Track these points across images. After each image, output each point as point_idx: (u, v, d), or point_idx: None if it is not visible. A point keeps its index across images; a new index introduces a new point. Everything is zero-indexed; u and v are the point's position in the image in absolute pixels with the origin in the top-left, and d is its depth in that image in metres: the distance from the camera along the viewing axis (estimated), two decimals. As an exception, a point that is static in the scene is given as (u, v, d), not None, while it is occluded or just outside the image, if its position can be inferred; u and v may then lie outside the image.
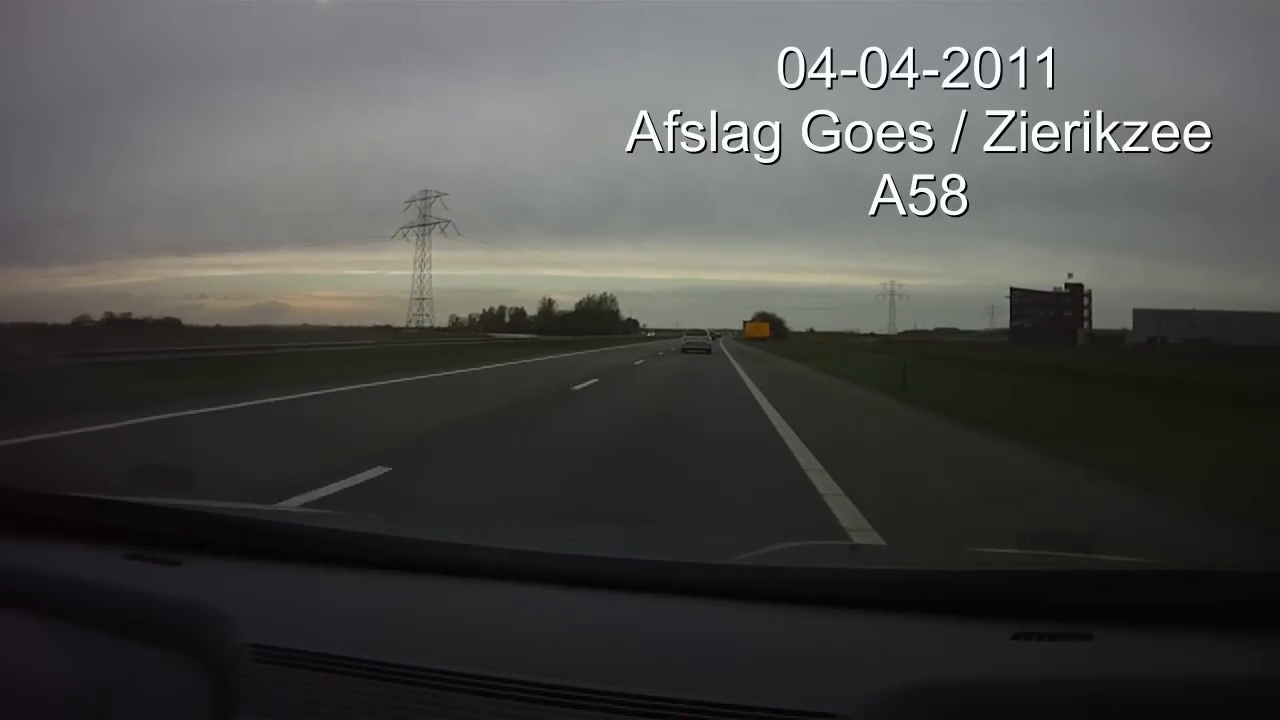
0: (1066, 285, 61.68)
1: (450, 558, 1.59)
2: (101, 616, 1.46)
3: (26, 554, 1.64)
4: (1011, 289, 62.19)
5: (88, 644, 1.41)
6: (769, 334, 69.47)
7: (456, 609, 1.46)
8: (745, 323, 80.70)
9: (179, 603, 1.44)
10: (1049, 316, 59.23)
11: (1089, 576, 1.48)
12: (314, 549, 1.64)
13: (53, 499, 1.82)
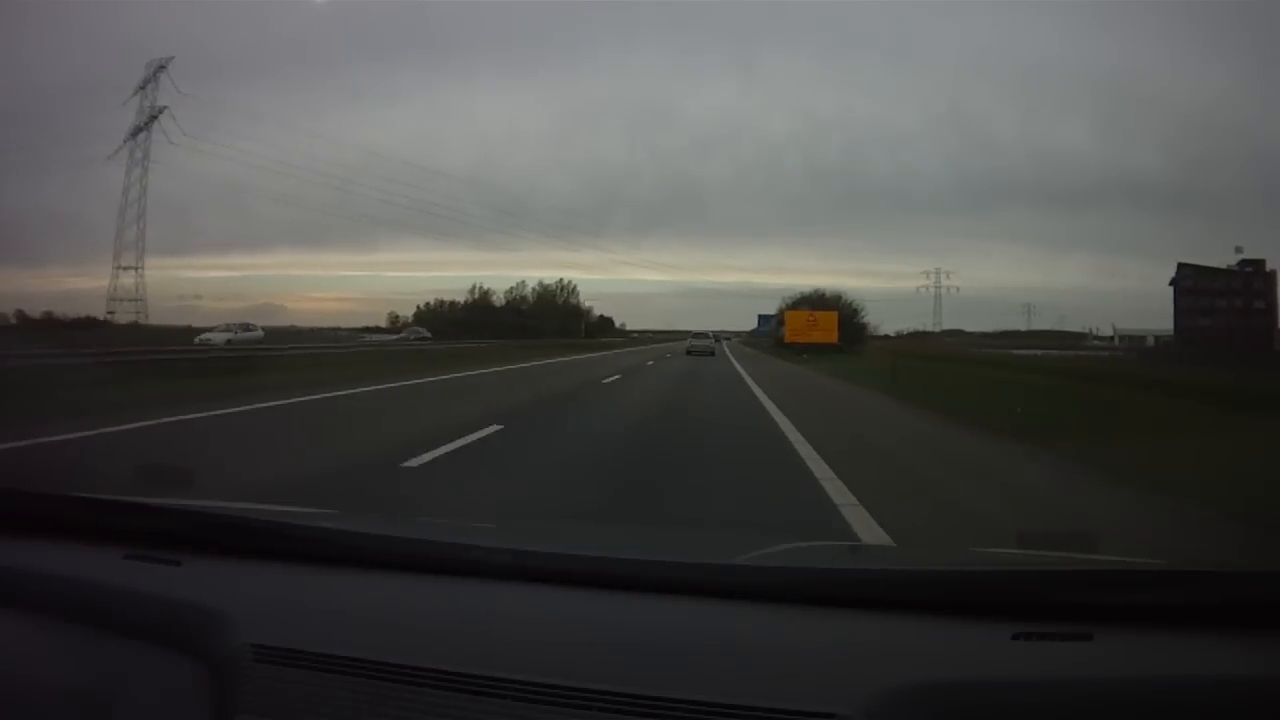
0: (1240, 264, 41.06)
1: (451, 558, 1.59)
2: (101, 616, 1.46)
3: (26, 554, 1.64)
4: (1180, 265, 41.50)
5: (88, 644, 1.41)
6: (836, 338, 37.30)
7: (457, 609, 1.46)
8: (782, 312, 49.80)
9: (179, 603, 1.44)
10: (1233, 309, 38.90)
11: (1089, 576, 1.48)
12: (314, 549, 1.64)
13: (53, 499, 1.83)
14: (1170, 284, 42.84)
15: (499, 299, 73.06)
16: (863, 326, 47.29)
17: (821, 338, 36.44)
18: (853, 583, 1.49)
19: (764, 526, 5.01)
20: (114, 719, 1.26)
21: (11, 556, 1.63)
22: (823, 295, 48.88)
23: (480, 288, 72.13)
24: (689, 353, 39.60)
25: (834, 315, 39.56)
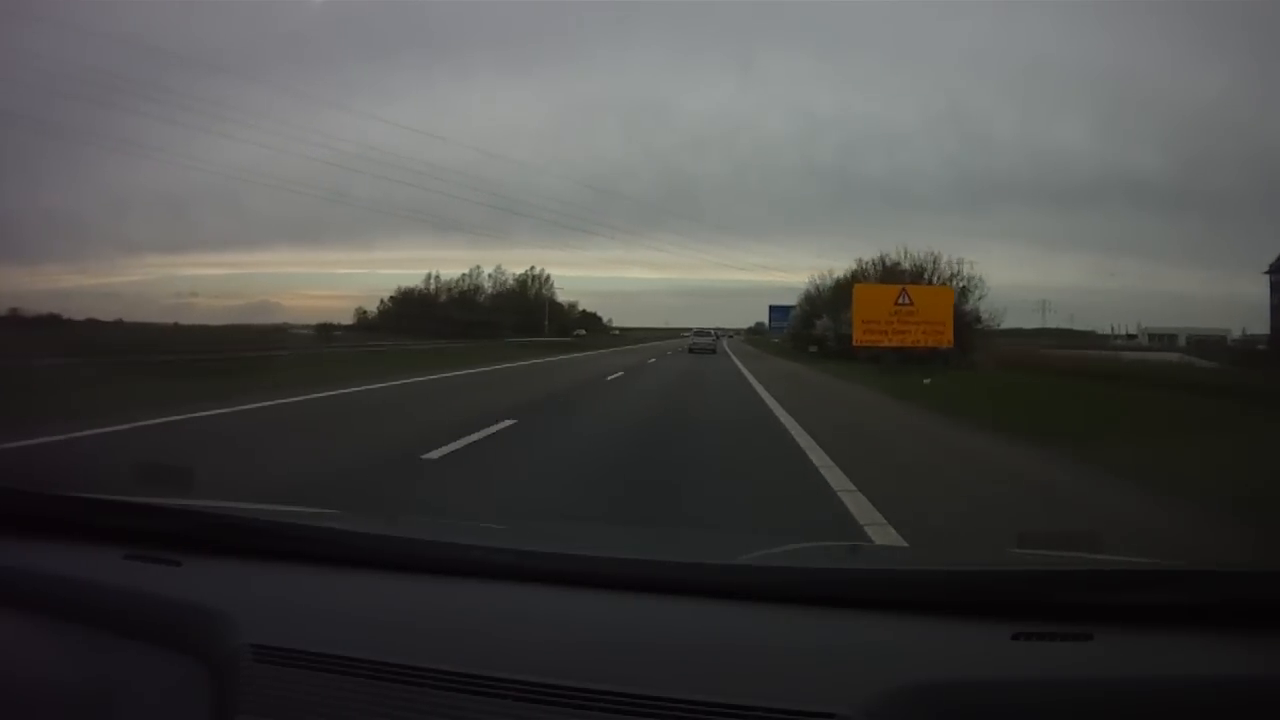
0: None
1: (451, 558, 1.59)
2: (101, 616, 1.46)
3: (26, 554, 1.64)
4: (1289, 249, 30.99)
5: (88, 644, 1.41)
6: (951, 338, 19.97)
7: (457, 609, 1.46)
8: (826, 290, 33.05)
9: (179, 603, 1.44)
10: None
11: (1089, 576, 1.48)
12: (314, 549, 1.64)
13: (53, 499, 1.83)
14: (1267, 271, 34.71)
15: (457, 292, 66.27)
16: (975, 320, 25.83)
17: (924, 338, 19.62)
18: (852, 583, 1.49)
19: (766, 528, 5.01)
20: (114, 719, 1.26)
21: (11, 556, 1.63)
22: (896, 265, 25.90)
23: (436, 277, 65.03)
24: (691, 350, 40.14)
25: (949, 296, 21.84)
